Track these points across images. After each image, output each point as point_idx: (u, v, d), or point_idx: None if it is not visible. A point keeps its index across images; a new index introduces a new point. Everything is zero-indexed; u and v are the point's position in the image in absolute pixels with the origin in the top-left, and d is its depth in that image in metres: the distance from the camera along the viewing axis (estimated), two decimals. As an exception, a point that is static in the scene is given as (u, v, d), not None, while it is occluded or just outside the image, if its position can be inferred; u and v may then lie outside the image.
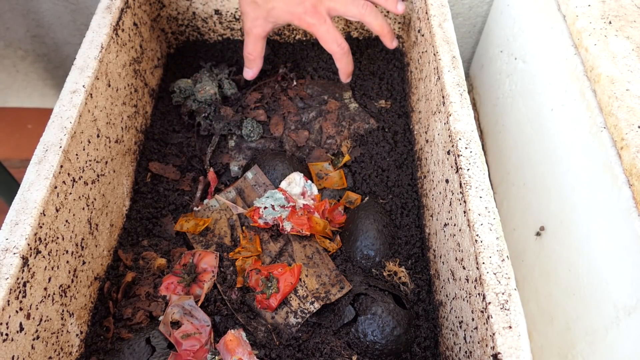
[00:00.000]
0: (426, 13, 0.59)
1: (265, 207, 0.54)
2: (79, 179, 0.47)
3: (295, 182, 0.57)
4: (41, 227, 0.41)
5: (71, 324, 0.45)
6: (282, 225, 0.53)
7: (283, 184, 0.56)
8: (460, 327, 0.42)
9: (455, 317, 0.44)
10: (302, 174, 0.57)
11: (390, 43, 0.62)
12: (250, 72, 0.64)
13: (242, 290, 0.50)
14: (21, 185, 0.42)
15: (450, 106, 0.48)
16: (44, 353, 0.41)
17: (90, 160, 0.49)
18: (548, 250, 0.55)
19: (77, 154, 0.47)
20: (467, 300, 0.41)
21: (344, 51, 0.60)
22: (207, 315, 0.47)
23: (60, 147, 0.44)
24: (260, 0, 0.57)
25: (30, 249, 0.39)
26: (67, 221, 0.45)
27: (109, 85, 0.54)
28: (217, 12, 0.71)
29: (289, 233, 0.53)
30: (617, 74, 0.46)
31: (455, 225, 0.45)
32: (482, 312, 0.37)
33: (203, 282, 0.50)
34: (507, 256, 0.39)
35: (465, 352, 0.41)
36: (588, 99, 0.48)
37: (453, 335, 0.44)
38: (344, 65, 0.62)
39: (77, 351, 0.46)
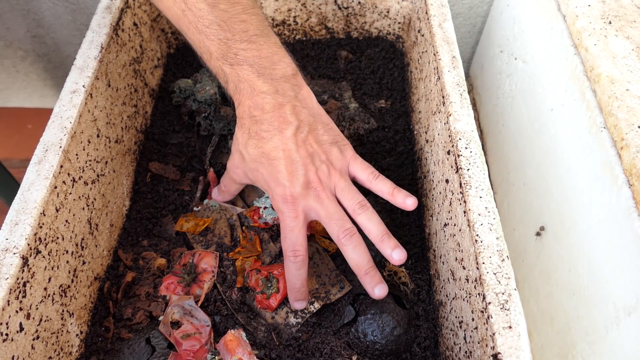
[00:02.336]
0: (426, 13, 0.59)
1: (265, 207, 0.55)
2: (79, 179, 0.47)
3: None
4: (41, 227, 0.41)
5: (71, 324, 0.45)
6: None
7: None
8: (460, 327, 0.42)
9: (455, 317, 0.44)
10: None
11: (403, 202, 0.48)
12: (218, 197, 0.56)
13: (242, 290, 0.50)
14: (21, 185, 0.42)
15: (450, 106, 0.48)
16: (44, 353, 0.41)
17: (90, 160, 0.49)
18: (548, 250, 0.55)
19: (77, 154, 0.47)
20: (467, 300, 0.41)
21: (295, 260, 0.46)
22: (207, 315, 0.47)
23: (60, 147, 0.44)
24: (247, 156, 0.47)
25: (30, 249, 0.39)
26: (67, 221, 0.45)
27: (109, 85, 0.54)
28: (217, 12, 0.71)
29: None
30: (617, 74, 0.46)
31: (455, 225, 0.45)
32: (482, 312, 0.37)
33: (203, 282, 0.50)
34: (507, 256, 0.39)
35: (465, 352, 0.41)
36: (588, 99, 0.48)
37: (453, 335, 0.44)
38: (290, 276, 0.47)
39: (77, 351, 0.46)
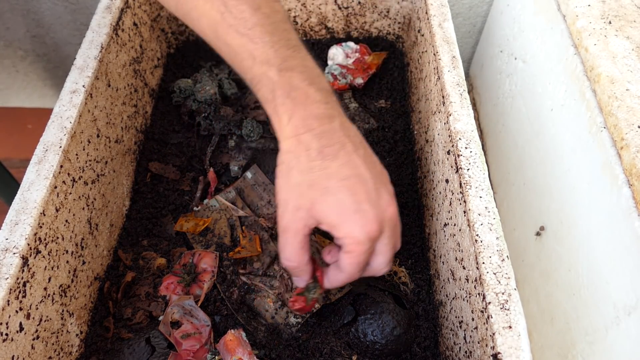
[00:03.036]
0: (426, 13, 0.59)
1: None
2: (79, 179, 0.47)
3: (336, 54, 0.69)
4: (41, 227, 0.41)
5: (71, 324, 0.45)
6: (355, 82, 0.66)
7: (329, 63, 0.69)
8: (460, 327, 0.42)
9: (455, 317, 0.44)
10: (334, 45, 0.70)
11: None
12: (300, 281, 0.44)
13: (243, 290, 0.50)
14: (21, 185, 0.42)
15: (450, 106, 0.48)
16: (43, 353, 0.41)
17: (90, 160, 0.49)
18: (548, 250, 0.55)
19: (77, 154, 0.47)
20: (467, 300, 0.41)
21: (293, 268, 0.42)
22: (207, 315, 0.47)
23: (60, 147, 0.44)
24: (310, 182, 0.39)
25: (30, 249, 0.39)
26: (67, 221, 0.45)
27: (109, 85, 0.54)
28: (217, 12, 0.71)
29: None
30: (617, 74, 0.46)
31: (455, 225, 0.45)
32: (482, 312, 0.37)
33: (203, 282, 0.50)
34: (507, 256, 0.39)
35: (465, 352, 0.41)
36: (588, 99, 0.48)
37: (453, 335, 0.44)
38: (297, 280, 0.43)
39: (77, 351, 0.46)
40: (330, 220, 0.39)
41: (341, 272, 0.41)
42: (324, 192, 0.38)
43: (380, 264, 0.41)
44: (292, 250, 0.41)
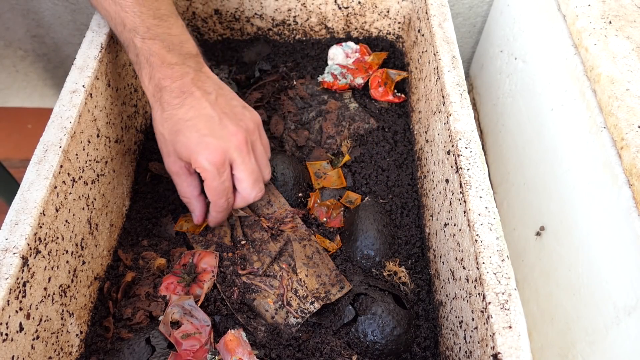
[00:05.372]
0: (426, 13, 0.59)
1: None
2: (79, 178, 0.47)
3: (336, 54, 0.69)
4: (41, 227, 0.41)
5: (71, 324, 0.45)
6: (355, 82, 0.66)
7: (330, 63, 0.69)
8: (460, 327, 0.42)
9: (455, 317, 0.44)
10: (334, 45, 0.70)
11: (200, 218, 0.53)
12: (194, 215, 0.53)
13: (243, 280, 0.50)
14: (21, 185, 0.42)
15: (450, 106, 0.48)
16: (43, 353, 0.41)
17: (90, 160, 0.49)
18: (548, 250, 0.55)
19: (77, 154, 0.47)
20: (467, 300, 0.41)
21: (227, 207, 0.51)
22: (207, 315, 0.47)
23: (60, 147, 0.44)
24: (166, 131, 0.47)
25: (30, 248, 0.39)
26: (67, 221, 0.45)
27: (109, 85, 0.54)
28: (216, 12, 0.71)
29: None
30: (617, 74, 0.46)
31: (455, 225, 0.45)
32: (482, 312, 0.37)
33: (203, 282, 0.50)
34: (507, 256, 0.39)
35: (465, 352, 0.41)
36: (588, 99, 0.48)
37: (453, 335, 0.44)
38: (214, 216, 0.52)
39: (77, 351, 0.46)
40: (186, 157, 0.47)
41: (210, 198, 0.49)
42: (176, 135, 0.47)
43: (245, 189, 0.49)
44: (181, 189, 0.51)
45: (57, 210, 0.43)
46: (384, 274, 0.51)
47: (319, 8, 0.71)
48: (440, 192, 0.50)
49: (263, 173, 0.51)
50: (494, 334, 0.35)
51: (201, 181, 0.50)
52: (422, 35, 0.61)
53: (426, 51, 0.58)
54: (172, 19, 0.50)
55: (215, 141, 0.46)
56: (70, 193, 0.45)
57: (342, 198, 0.58)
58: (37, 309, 0.40)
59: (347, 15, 0.72)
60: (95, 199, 0.50)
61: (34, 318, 0.39)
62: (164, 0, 0.50)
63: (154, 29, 0.48)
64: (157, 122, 0.48)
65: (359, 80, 0.67)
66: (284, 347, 0.47)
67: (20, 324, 0.38)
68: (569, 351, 0.49)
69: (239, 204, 0.51)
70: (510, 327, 0.35)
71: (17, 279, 0.38)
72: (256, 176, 0.50)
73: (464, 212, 0.42)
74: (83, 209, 0.48)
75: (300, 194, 0.57)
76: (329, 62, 0.70)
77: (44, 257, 0.41)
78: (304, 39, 0.74)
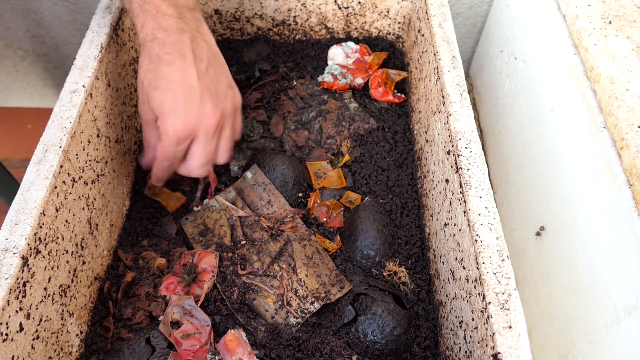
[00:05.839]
0: (426, 13, 0.59)
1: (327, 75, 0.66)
2: (79, 178, 0.47)
3: (336, 54, 0.69)
4: (41, 227, 0.41)
5: (71, 324, 0.45)
6: (355, 82, 0.66)
7: (330, 63, 0.69)
8: (460, 327, 0.42)
9: (455, 317, 0.44)
10: (334, 45, 0.70)
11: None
12: (145, 161, 0.54)
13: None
14: (21, 185, 0.42)
15: (450, 106, 0.48)
16: (43, 353, 0.41)
17: (90, 160, 0.49)
18: (548, 250, 0.55)
19: (77, 154, 0.47)
20: (467, 300, 0.41)
21: (168, 170, 0.52)
22: (207, 315, 0.47)
23: (60, 147, 0.44)
24: (147, 81, 0.47)
25: (30, 249, 0.39)
26: (67, 221, 0.45)
27: (109, 85, 0.54)
28: (216, 12, 0.71)
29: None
30: (617, 74, 0.46)
31: (455, 225, 0.45)
32: (482, 312, 0.37)
33: (203, 282, 0.50)
34: (507, 256, 0.39)
35: (465, 352, 0.41)
36: (588, 99, 0.48)
37: (453, 335, 0.44)
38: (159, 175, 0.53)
39: (77, 351, 0.46)
40: (155, 113, 0.47)
41: (156, 156, 0.50)
42: (154, 89, 0.46)
43: (193, 165, 0.50)
44: (147, 135, 0.51)
45: (57, 210, 0.43)
46: (384, 274, 0.51)
47: (319, 8, 0.71)
48: (440, 192, 0.50)
49: (219, 157, 0.52)
50: (494, 334, 0.35)
51: None
52: (422, 35, 0.61)
53: (426, 51, 0.58)
54: None
55: (187, 114, 0.47)
56: (70, 193, 0.45)
57: (342, 198, 0.58)
58: (37, 309, 0.40)
59: (347, 15, 0.72)
60: (95, 199, 0.50)
61: (34, 318, 0.39)
62: None
63: None
64: (141, 69, 0.48)
65: (359, 80, 0.67)
66: (284, 347, 0.47)
67: (20, 324, 0.38)
68: (569, 351, 0.49)
69: (181, 172, 0.52)
70: (510, 327, 0.35)
71: (17, 279, 0.38)
72: (208, 159, 0.50)
73: (464, 212, 0.42)
74: (83, 209, 0.48)
75: (300, 194, 0.57)
76: (329, 62, 0.70)
77: (44, 257, 0.41)
78: (304, 39, 0.74)
